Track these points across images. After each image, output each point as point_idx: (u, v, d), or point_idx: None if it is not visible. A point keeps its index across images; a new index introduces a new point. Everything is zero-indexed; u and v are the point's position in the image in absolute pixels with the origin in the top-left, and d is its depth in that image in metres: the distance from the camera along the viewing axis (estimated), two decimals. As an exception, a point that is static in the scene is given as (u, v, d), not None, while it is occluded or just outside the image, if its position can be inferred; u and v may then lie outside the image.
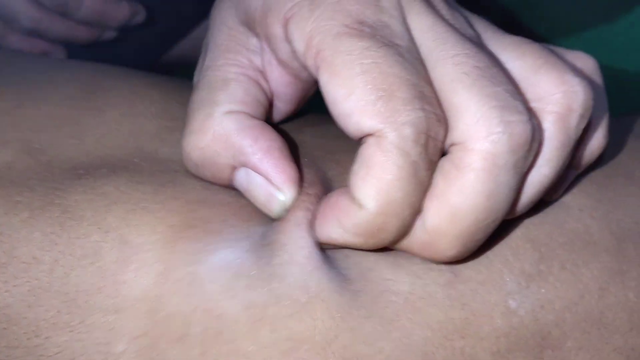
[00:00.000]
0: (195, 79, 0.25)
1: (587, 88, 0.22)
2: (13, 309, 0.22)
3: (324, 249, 0.23)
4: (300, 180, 0.23)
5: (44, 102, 0.27)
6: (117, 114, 0.27)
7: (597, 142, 0.24)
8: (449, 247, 0.21)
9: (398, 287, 0.23)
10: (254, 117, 0.24)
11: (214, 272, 0.22)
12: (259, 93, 0.24)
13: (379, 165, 0.20)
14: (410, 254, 0.22)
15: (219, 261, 0.22)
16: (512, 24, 0.55)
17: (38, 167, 0.25)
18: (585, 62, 0.24)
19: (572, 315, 0.24)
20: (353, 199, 0.21)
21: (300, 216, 0.23)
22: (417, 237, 0.22)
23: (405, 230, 0.21)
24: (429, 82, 0.21)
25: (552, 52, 0.23)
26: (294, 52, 0.22)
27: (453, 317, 0.23)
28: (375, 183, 0.20)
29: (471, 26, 0.23)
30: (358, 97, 0.20)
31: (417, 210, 0.21)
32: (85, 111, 0.27)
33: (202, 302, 0.22)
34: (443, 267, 0.23)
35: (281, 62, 0.24)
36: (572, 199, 0.26)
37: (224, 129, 0.23)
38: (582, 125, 0.22)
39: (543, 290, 0.23)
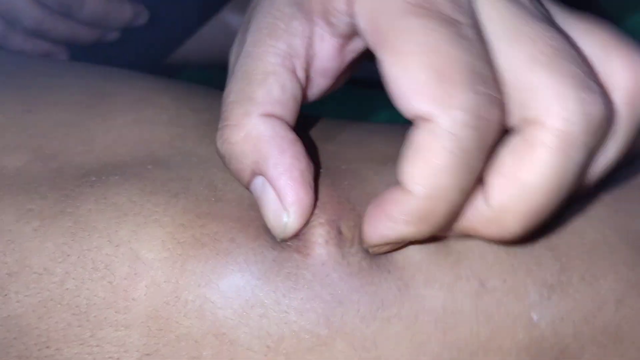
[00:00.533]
0: (233, 58, 0.25)
1: None
2: (24, 319, 0.22)
3: (376, 253, 0.23)
4: (312, 208, 0.23)
5: (52, 107, 0.27)
6: (126, 121, 0.27)
7: None
8: (515, 223, 0.21)
9: (432, 304, 0.22)
10: (289, 123, 0.24)
11: (225, 297, 0.22)
12: (294, 87, 0.24)
13: (429, 150, 0.20)
14: (468, 234, 0.22)
15: (230, 286, 0.22)
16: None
17: (48, 173, 0.24)
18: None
19: (589, 328, 0.23)
20: (401, 187, 0.21)
21: (324, 253, 0.22)
22: (480, 215, 0.21)
23: (456, 213, 0.21)
24: (487, 60, 0.21)
25: (619, 32, 0.23)
26: (355, 27, 0.22)
27: (479, 332, 0.23)
28: (425, 168, 0.20)
29: (541, 4, 0.23)
30: (413, 77, 0.20)
31: (467, 194, 0.21)
32: (94, 117, 0.27)
33: (214, 327, 0.22)
34: (471, 275, 0.23)
35: (335, 35, 0.24)
36: (591, 208, 0.25)
37: (257, 132, 0.23)
38: None
39: (563, 302, 0.23)
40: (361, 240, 0.23)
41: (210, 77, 0.50)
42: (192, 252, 0.22)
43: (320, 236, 0.23)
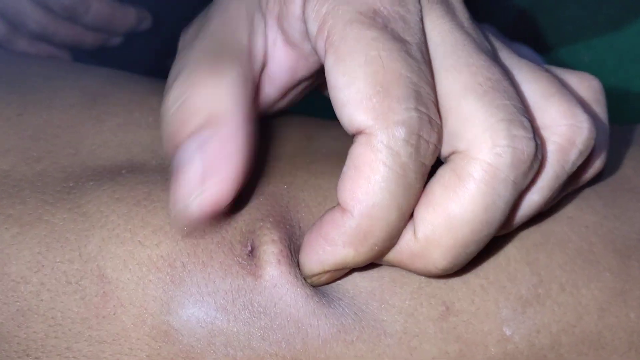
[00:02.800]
0: (189, 37, 0.24)
1: (592, 126, 0.22)
2: (4, 327, 0.22)
3: (316, 286, 0.23)
4: (222, 210, 0.21)
5: (46, 109, 0.27)
6: (114, 124, 0.27)
7: (592, 171, 0.24)
8: (441, 258, 0.21)
9: (392, 327, 0.22)
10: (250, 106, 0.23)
11: (188, 326, 0.22)
12: (253, 82, 0.24)
13: (367, 165, 0.20)
14: (399, 267, 0.22)
15: (190, 316, 0.22)
16: (522, 31, 0.55)
17: (32, 176, 0.25)
18: (591, 83, 0.24)
19: (568, 338, 0.23)
20: (339, 208, 0.21)
21: (276, 275, 0.22)
22: (408, 247, 0.21)
23: (393, 236, 0.21)
24: (430, 84, 0.21)
25: (564, 84, 0.23)
26: (307, 33, 0.22)
27: (447, 350, 0.22)
28: (363, 183, 0.20)
29: (489, 41, 0.23)
30: (356, 88, 0.20)
31: (405, 215, 0.21)
32: (85, 120, 0.27)
33: (182, 352, 0.22)
34: (434, 301, 0.23)
35: (288, 43, 0.24)
36: (579, 215, 0.25)
37: (222, 98, 0.21)
38: (579, 162, 0.22)
39: (539, 315, 0.23)
40: (300, 271, 0.22)
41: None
42: (150, 277, 0.22)
43: (272, 255, 0.22)
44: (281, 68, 0.24)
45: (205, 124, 0.21)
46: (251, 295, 0.22)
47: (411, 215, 0.21)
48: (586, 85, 0.24)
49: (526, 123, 0.20)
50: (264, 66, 0.24)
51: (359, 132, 0.20)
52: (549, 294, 0.23)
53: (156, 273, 0.22)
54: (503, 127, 0.20)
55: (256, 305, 0.22)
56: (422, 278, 0.23)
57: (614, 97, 0.50)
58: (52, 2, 0.42)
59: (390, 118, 0.20)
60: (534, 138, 0.20)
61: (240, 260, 0.23)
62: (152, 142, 0.26)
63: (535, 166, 0.21)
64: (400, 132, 0.20)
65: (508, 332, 0.23)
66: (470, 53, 0.21)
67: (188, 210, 0.21)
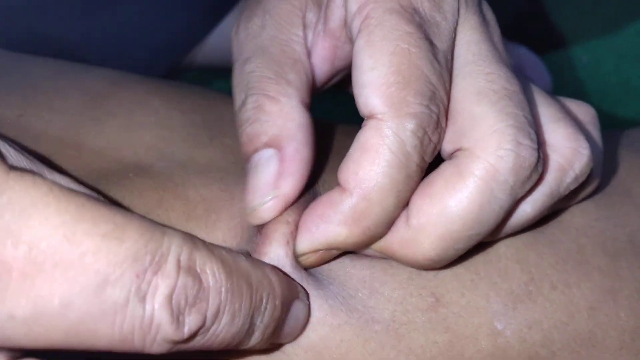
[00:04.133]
0: (242, 35, 0.25)
1: (592, 156, 0.23)
2: None
3: (307, 269, 0.23)
4: (287, 208, 0.23)
5: (47, 111, 0.27)
6: (116, 125, 0.27)
7: (582, 195, 0.25)
8: (430, 247, 0.21)
9: (380, 315, 0.23)
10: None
11: None
12: (311, 75, 0.25)
13: (373, 149, 0.21)
14: (386, 255, 0.23)
15: None
16: (521, 32, 0.55)
17: None
18: (586, 111, 0.26)
19: (560, 335, 0.24)
20: (339, 188, 0.21)
21: (281, 255, 0.23)
22: (399, 234, 0.22)
23: (386, 223, 0.22)
24: (446, 91, 0.22)
25: (567, 111, 0.24)
26: (345, 15, 0.23)
27: (436, 340, 0.23)
28: (366, 165, 0.21)
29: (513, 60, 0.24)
30: (379, 73, 0.21)
31: (400, 204, 0.22)
32: (87, 121, 0.27)
33: None
34: (423, 292, 0.23)
35: (329, 33, 0.25)
36: (570, 218, 0.26)
37: (293, 114, 0.23)
38: (572, 187, 0.23)
39: (531, 311, 0.24)
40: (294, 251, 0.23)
41: (208, 79, 0.51)
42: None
43: (283, 235, 0.23)
44: (322, 59, 0.25)
45: (271, 143, 0.23)
46: None
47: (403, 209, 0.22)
48: (583, 111, 0.25)
49: (533, 135, 0.21)
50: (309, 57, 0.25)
51: (371, 116, 0.21)
52: (540, 291, 0.24)
53: None
54: (510, 133, 0.21)
55: None
56: (413, 270, 0.23)
57: (612, 97, 0.50)
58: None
59: (404, 109, 0.21)
60: (538, 150, 0.21)
61: (251, 239, 0.23)
62: (156, 142, 0.27)
63: (534, 177, 0.22)
64: (410, 124, 0.21)
65: (499, 327, 0.23)
66: (491, 63, 0.22)
67: (263, 210, 0.23)
